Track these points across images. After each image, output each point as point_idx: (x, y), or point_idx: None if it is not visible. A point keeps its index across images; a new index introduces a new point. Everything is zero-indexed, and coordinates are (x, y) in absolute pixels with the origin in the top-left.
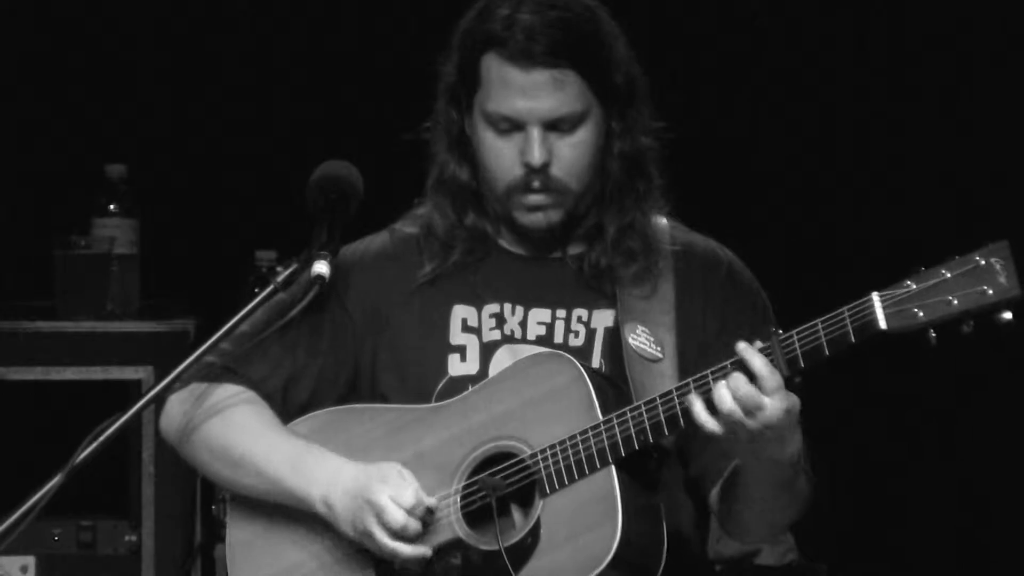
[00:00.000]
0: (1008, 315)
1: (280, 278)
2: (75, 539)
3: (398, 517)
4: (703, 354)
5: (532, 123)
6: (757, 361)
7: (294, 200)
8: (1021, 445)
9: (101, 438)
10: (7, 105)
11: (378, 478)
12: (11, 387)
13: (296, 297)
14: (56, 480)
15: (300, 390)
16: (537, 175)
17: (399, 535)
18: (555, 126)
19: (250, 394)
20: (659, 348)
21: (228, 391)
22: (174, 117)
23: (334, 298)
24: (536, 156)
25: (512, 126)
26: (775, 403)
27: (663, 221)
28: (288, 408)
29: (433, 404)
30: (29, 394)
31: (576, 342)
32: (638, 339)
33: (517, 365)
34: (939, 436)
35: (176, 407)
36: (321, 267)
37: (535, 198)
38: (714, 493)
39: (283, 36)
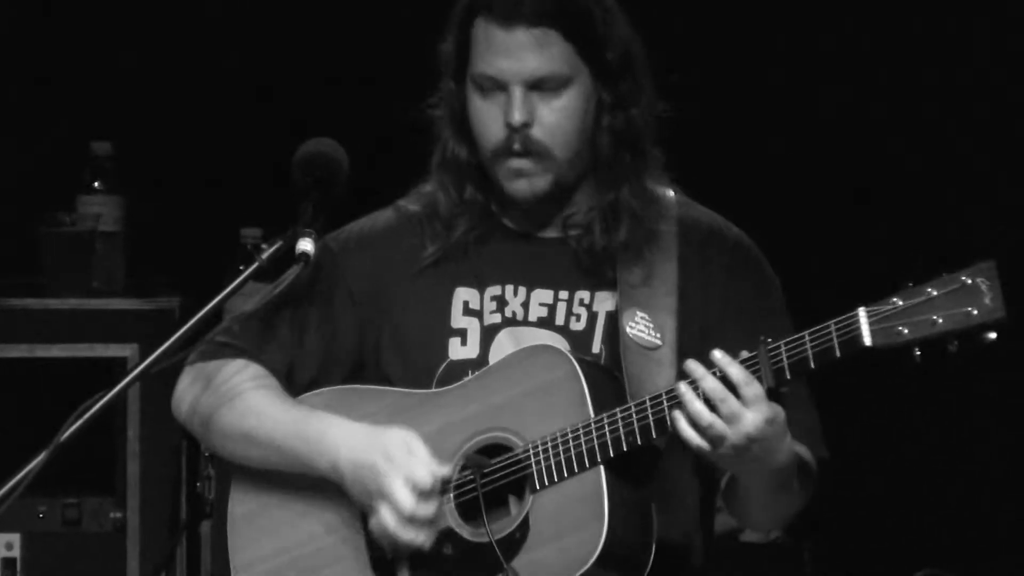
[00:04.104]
0: (992, 335)
1: (265, 256)
2: (60, 516)
3: (407, 506)
4: (705, 338)
5: (514, 83)
6: (733, 370)
7: (280, 178)
8: (1007, 429)
9: (86, 416)
10: None
11: (383, 454)
12: None
13: (302, 275)
14: (41, 458)
15: (305, 369)
16: (518, 135)
17: (408, 520)
18: (539, 88)
19: (257, 368)
20: (658, 334)
21: (237, 368)
22: (160, 94)
23: (339, 277)
24: (516, 115)
25: (496, 86)
26: (755, 413)
27: (670, 196)
28: (294, 386)
29: (433, 390)
30: (13, 371)
31: (577, 326)
32: (636, 327)
33: (514, 356)
34: (926, 416)
35: (185, 389)
36: (306, 245)
37: (517, 163)
38: (724, 481)
39: (270, 14)
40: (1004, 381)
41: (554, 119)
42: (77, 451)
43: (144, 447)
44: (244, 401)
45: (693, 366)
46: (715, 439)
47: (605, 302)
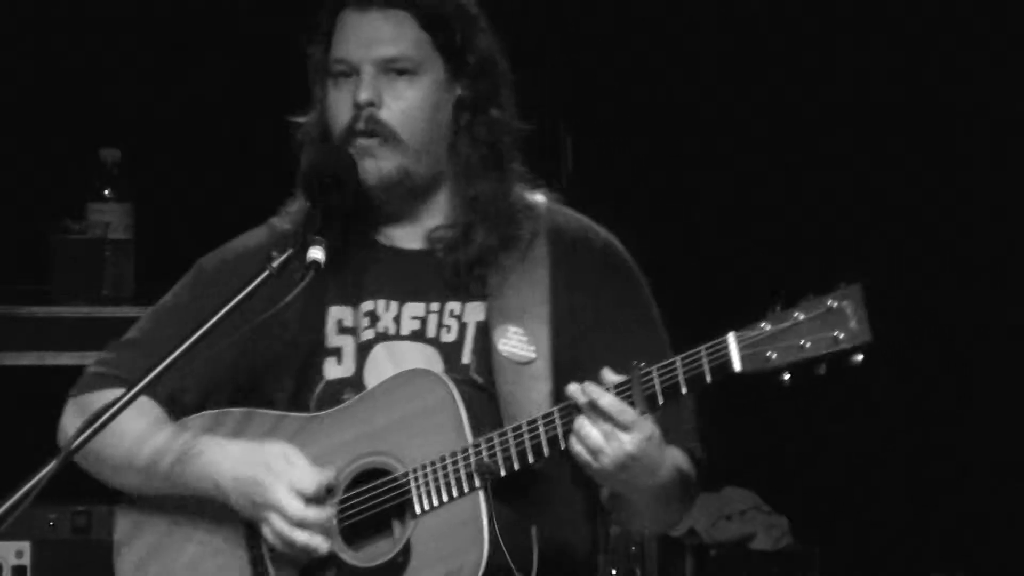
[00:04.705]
0: (859, 357)
1: (276, 263)
2: (70, 524)
3: (296, 512)
4: (578, 345)
5: (364, 63)
6: (605, 400)
7: (290, 185)
8: (1016, 435)
9: (96, 424)
10: (1, 88)
11: (264, 466)
12: (6, 372)
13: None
14: (51, 466)
15: (188, 392)
16: (363, 114)
17: (300, 525)
18: (389, 71)
19: (139, 404)
20: (532, 347)
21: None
22: (169, 101)
23: (216, 298)
24: (362, 93)
25: (349, 69)
26: (632, 434)
27: (539, 200)
28: (176, 410)
29: (312, 415)
30: (23, 379)
31: (448, 337)
32: (509, 343)
33: (393, 380)
34: (932, 422)
35: (68, 423)
36: (316, 253)
37: (364, 142)
38: (604, 493)
39: (279, 19)
40: (1017, 387)
41: (402, 105)
42: None
43: None
44: (125, 429)
45: (574, 389)
46: (596, 454)
47: (476, 312)
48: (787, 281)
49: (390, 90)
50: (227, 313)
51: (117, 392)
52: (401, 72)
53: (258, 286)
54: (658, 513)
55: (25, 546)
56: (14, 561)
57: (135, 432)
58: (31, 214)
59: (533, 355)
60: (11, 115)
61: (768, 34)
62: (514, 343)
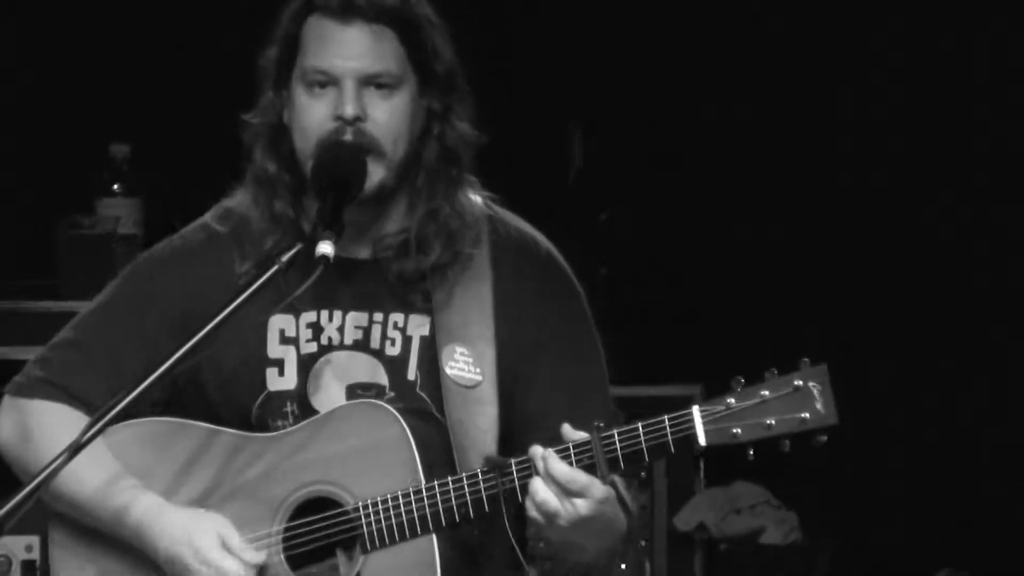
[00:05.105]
0: (824, 437)
1: (285, 259)
2: None
3: None
4: (520, 368)
5: (347, 77)
6: (558, 469)
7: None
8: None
9: (105, 419)
10: (11, 85)
11: (193, 552)
12: (14, 367)
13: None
14: (61, 460)
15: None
16: (350, 129)
17: None
18: (370, 85)
19: (74, 416)
20: (478, 369)
21: (54, 418)
22: (178, 96)
23: (152, 298)
24: (348, 107)
25: (328, 80)
26: (585, 500)
27: (478, 204)
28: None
29: (260, 435)
30: None
31: (392, 350)
32: (456, 366)
33: (345, 409)
34: (941, 418)
35: (5, 424)
36: (326, 248)
37: None
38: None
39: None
40: (1021, 385)
41: (386, 117)
42: None
43: None
44: (82, 478)
45: (533, 453)
46: (551, 518)
47: (420, 326)
48: (789, 279)
49: (373, 103)
50: (233, 309)
51: (54, 408)
52: (380, 86)
53: (263, 285)
54: (608, 552)
55: (35, 540)
56: (24, 555)
57: (75, 472)
58: (40, 209)
59: (479, 377)
60: (21, 111)
61: (772, 34)
62: (461, 365)
